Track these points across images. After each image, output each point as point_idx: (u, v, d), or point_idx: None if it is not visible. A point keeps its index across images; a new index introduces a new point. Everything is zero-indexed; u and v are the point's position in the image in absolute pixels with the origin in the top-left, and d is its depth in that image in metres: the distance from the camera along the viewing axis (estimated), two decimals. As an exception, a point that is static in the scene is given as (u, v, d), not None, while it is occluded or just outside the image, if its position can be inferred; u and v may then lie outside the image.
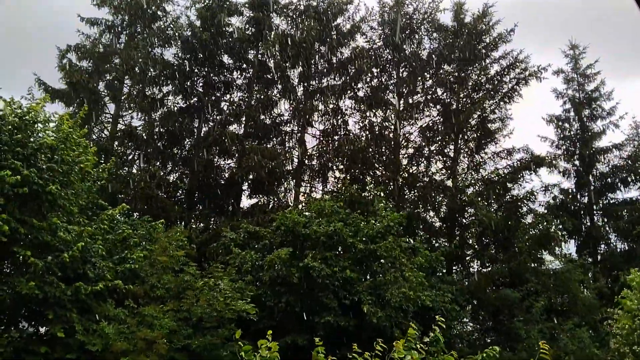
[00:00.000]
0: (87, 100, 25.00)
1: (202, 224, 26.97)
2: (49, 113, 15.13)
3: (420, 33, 28.68)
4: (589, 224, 30.67)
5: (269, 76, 28.56)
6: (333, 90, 28.12)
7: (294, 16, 28.67)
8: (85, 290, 13.60)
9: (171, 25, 28.88)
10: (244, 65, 29.10)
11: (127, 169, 26.53)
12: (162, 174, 26.60)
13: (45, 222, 13.44)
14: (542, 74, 27.01)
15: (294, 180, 27.85)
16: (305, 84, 28.42)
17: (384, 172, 27.67)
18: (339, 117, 28.70)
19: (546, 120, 32.28)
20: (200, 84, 28.63)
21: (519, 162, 26.47)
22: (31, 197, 13.27)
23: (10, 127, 13.78)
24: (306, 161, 28.06)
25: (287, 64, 27.88)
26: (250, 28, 28.75)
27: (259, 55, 28.46)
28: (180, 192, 27.56)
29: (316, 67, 28.41)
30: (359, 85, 28.83)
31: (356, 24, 28.67)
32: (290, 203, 26.90)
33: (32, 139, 13.72)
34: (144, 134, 27.16)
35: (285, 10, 28.80)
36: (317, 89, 28.37)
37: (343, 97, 28.69)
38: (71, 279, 13.91)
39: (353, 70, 28.31)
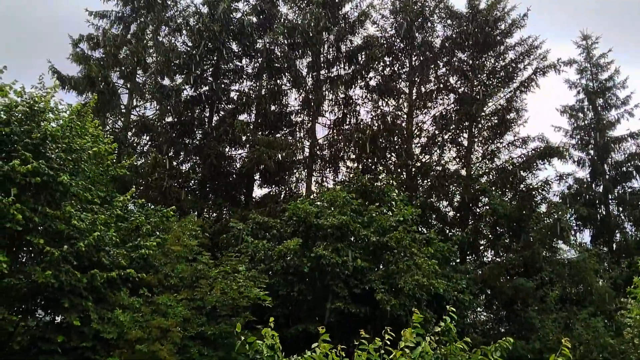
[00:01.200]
0: (100, 91, 25.05)
1: (214, 214, 27.07)
2: (58, 100, 15.19)
3: (433, 20, 28.39)
4: (604, 213, 30.38)
5: (277, 65, 28.43)
6: (343, 80, 27.98)
7: (301, 5, 28.44)
8: (100, 277, 13.69)
9: (180, 14, 28.85)
10: (253, 53, 29.02)
11: (140, 159, 26.62)
12: (174, 164, 26.69)
13: (59, 210, 13.51)
14: (561, 67, 26.84)
15: (305, 170, 27.81)
16: (315, 74, 28.28)
17: (396, 161, 27.55)
18: (349, 107, 28.60)
19: (560, 110, 32.06)
20: (210, 72, 28.61)
21: (533, 151, 26.26)
22: (44, 186, 13.33)
23: (20, 116, 13.85)
24: (317, 151, 27.99)
25: (295, 53, 27.75)
26: (256, 16, 28.61)
27: (267, 44, 28.36)
28: (192, 182, 27.63)
29: (325, 56, 28.23)
30: (370, 74, 28.64)
31: (364, 12, 28.36)
32: (302, 193, 26.87)
33: (40, 129, 13.74)
34: (156, 124, 27.26)
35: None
36: (326, 79, 28.23)
37: (353, 86, 28.55)
38: (86, 267, 14.00)
39: (363, 59, 28.11)
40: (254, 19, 28.52)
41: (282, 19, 28.22)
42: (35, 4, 46.77)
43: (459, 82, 28.15)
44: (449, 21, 28.27)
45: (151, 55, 27.71)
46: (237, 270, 16.76)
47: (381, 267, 19.16)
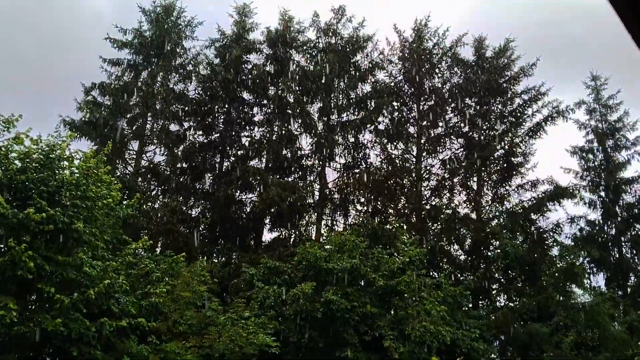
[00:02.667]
0: (111, 137, 25.39)
1: (223, 258, 26.98)
2: (74, 150, 15.39)
3: (441, 67, 28.91)
4: (617, 255, 29.98)
5: (289, 111, 28.88)
6: (353, 125, 28.35)
7: (314, 53, 29.14)
8: (109, 326, 13.60)
9: (191, 62, 29.49)
10: (264, 101, 29.50)
11: (150, 204, 26.76)
12: (184, 208, 26.80)
13: (71, 257, 13.54)
14: (570, 114, 27.24)
15: (316, 214, 27.82)
16: (325, 119, 28.66)
17: (405, 205, 27.53)
18: (359, 151, 28.84)
19: (570, 151, 32.04)
20: (221, 120, 29.06)
21: (543, 194, 26.21)
22: (57, 234, 13.40)
23: (36, 164, 14.03)
24: (327, 194, 28.06)
25: (306, 99, 28.24)
26: (269, 64, 29.25)
27: (279, 91, 28.85)
28: (202, 226, 27.67)
29: (336, 102, 28.69)
30: (380, 119, 28.99)
31: (374, 60, 29.00)
32: (311, 236, 26.80)
33: (55, 177, 13.90)
34: (166, 170, 27.52)
35: (304, 47, 29.30)
36: (337, 124, 28.61)
37: (363, 131, 28.86)
38: (95, 315, 13.93)
39: (373, 105, 28.54)
40: (268, 68, 29.10)
41: (295, 67, 28.79)
42: (51, 53, 48.13)
43: (467, 127, 28.39)
44: (456, 68, 28.76)
45: (161, 101, 28.19)
46: (245, 317, 16.60)
47: (391, 312, 18.94)
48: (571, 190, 26.69)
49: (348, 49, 28.75)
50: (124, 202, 17.25)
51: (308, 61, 29.30)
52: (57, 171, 14.24)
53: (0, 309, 12.21)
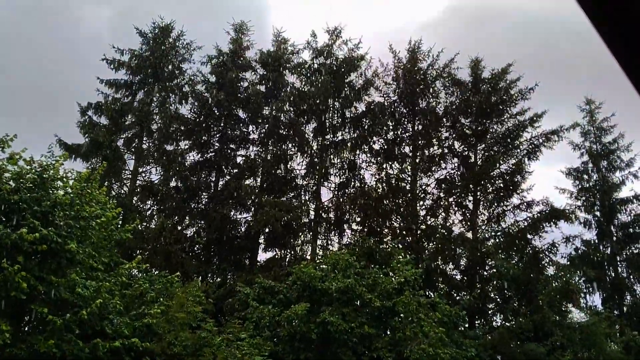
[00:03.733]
0: (107, 157, 25.40)
1: (218, 279, 26.85)
2: (68, 170, 15.37)
3: (436, 87, 29.13)
4: (613, 275, 29.98)
5: (283, 132, 29.00)
6: (347, 144, 28.50)
7: (307, 74, 29.29)
8: (103, 347, 13.47)
9: (188, 83, 29.64)
10: (259, 120, 29.62)
11: (145, 224, 26.68)
12: (179, 228, 26.72)
13: (64, 278, 13.45)
14: (565, 133, 27.53)
15: (310, 233, 27.77)
16: (320, 138, 28.77)
17: (401, 224, 27.53)
18: (354, 170, 28.92)
19: (565, 172, 32.24)
20: (217, 138, 29.13)
21: (539, 214, 26.28)
22: (50, 254, 13.31)
23: (30, 184, 13.99)
24: (322, 214, 28.05)
25: (301, 119, 28.36)
26: (263, 85, 29.43)
27: (273, 111, 29.03)
28: (197, 246, 27.58)
29: (330, 122, 28.81)
30: (374, 138, 29.09)
31: (369, 80, 29.20)
32: (307, 256, 26.74)
33: (49, 197, 13.84)
34: (162, 189, 27.49)
35: (299, 68, 29.47)
36: (331, 143, 28.73)
37: (358, 151, 28.96)
38: (89, 335, 13.80)
39: (367, 124, 28.68)
40: (262, 88, 29.28)
41: (289, 88, 28.96)
42: (49, 74, 48.36)
43: (462, 146, 28.53)
44: (452, 89, 28.97)
45: (157, 122, 28.29)
46: (240, 338, 16.46)
47: (388, 332, 18.81)
48: (567, 213, 26.81)
49: (343, 70, 28.93)
50: (124, 226, 17.12)
51: (302, 82, 29.48)
52: (50, 191, 14.19)
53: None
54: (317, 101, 27.63)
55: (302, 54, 29.90)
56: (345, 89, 28.87)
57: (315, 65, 29.32)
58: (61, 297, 13.35)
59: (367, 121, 28.84)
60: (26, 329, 14.00)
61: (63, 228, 13.61)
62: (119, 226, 17.28)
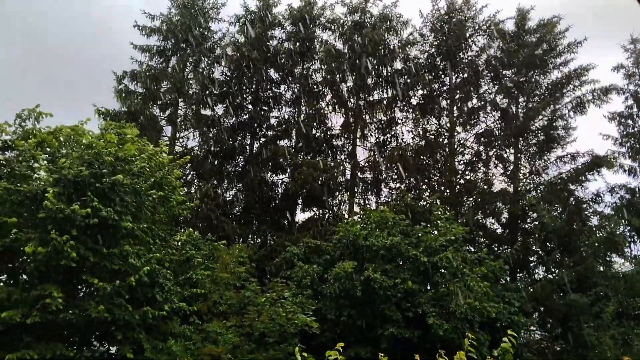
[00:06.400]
0: (143, 125, 25.77)
1: (259, 240, 27.31)
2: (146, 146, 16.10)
3: (476, 40, 28.29)
4: (659, 223, 29.14)
5: (316, 89, 28.75)
6: (384, 102, 28.14)
7: (341, 31, 28.74)
8: (152, 314, 14.05)
9: (218, 45, 29.51)
10: (291, 80, 29.41)
11: (185, 189, 27.14)
12: (218, 192, 27.11)
13: (117, 249, 13.99)
14: (607, 96, 26.50)
15: (348, 193, 27.83)
16: (356, 97, 28.47)
17: (439, 180, 27.31)
18: (390, 128, 28.62)
19: (608, 117, 31.03)
20: (249, 100, 29.13)
21: (582, 166, 25.64)
22: (104, 228, 13.85)
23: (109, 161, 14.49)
24: (359, 173, 28.00)
25: (336, 78, 28.01)
26: (294, 42, 29.04)
27: (304, 70, 28.75)
28: (236, 209, 28.01)
29: (366, 81, 28.37)
30: (410, 93, 28.59)
31: (404, 39, 28.49)
32: (344, 215, 26.87)
33: (110, 174, 14.31)
34: (199, 154, 27.85)
35: (331, 25, 28.91)
36: (367, 102, 28.42)
37: (394, 108, 28.57)
38: (141, 302, 14.42)
39: (403, 82, 28.15)
40: (291, 46, 28.97)
41: (322, 46, 28.51)
42: (84, 43, 48.93)
43: (504, 99, 27.84)
44: (495, 41, 28.06)
45: (191, 86, 28.39)
46: (284, 297, 16.85)
47: (429, 287, 18.93)
48: (609, 159, 25.97)
49: (378, 28, 28.25)
50: (185, 205, 17.61)
51: (337, 40, 28.93)
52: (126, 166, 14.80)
53: (46, 297, 12.70)
54: (352, 60, 27.16)
55: (335, 10, 29.25)
56: (381, 48, 28.26)
57: (349, 23, 28.70)
58: (112, 267, 13.91)
59: (403, 78, 28.27)
60: (79, 295, 14.62)
61: (118, 204, 14.09)
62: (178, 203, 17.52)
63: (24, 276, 14.43)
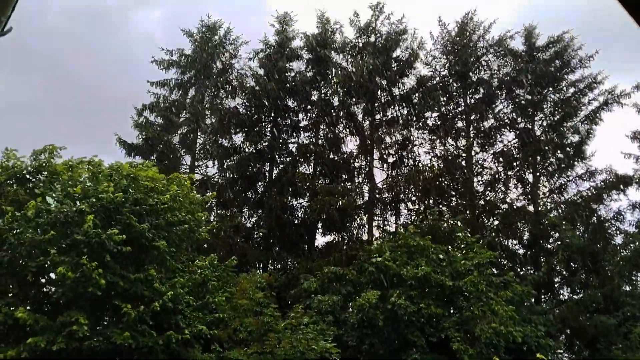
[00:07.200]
0: (163, 153, 26.27)
1: (279, 265, 27.30)
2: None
3: (488, 60, 28.38)
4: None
5: (333, 113, 28.95)
6: (399, 121, 28.25)
7: (353, 53, 29.04)
8: (175, 338, 14.14)
9: (236, 78, 30.04)
10: (309, 107, 29.71)
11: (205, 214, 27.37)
12: (239, 219, 27.28)
13: (143, 274, 14.20)
14: (627, 99, 26.22)
15: (366, 215, 27.75)
16: (370, 118, 28.63)
17: (459, 201, 27.14)
18: (407, 148, 28.59)
19: (630, 137, 30.70)
20: (268, 129, 29.48)
21: (602, 183, 25.32)
22: (137, 252, 14.14)
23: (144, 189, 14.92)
24: (377, 195, 27.96)
25: (350, 100, 28.23)
26: (311, 70, 29.43)
27: (322, 95, 29.04)
28: (256, 234, 28.14)
29: (379, 100, 28.52)
30: (426, 115, 28.66)
31: (415, 53, 28.67)
32: (363, 238, 26.78)
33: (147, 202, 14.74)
34: (219, 181, 28.16)
35: (344, 47, 29.28)
36: (382, 121, 28.56)
37: (410, 128, 28.63)
38: (164, 328, 14.53)
39: (418, 100, 28.27)
40: (309, 74, 29.31)
41: (337, 69, 28.86)
42: (103, 76, 50.14)
43: (519, 118, 27.75)
44: (505, 59, 28.12)
45: (210, 117, 28.95)
46: (304, 323, 16.77)
47: (453, 311, 18.64)
48: (637, 179, 25.64)
49: (388, 45, 28.48)
50: (202, 228, 17.92)
51: (349, 62, 29.23)
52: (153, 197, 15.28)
53: (72, 323, 12.87)
54: (364, 80, 27.40)
55: (346, 33, 29.63)
56: (393, 65, 28.46)
57: (360, 44, 28.99)
58: (139, 292, 14.10)
59: (417, 97, 28.39)
60: (104, 322, 14.79)
61: (151, 231, 14.45)
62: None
63: (49, 302, 14.70)
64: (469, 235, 21.50)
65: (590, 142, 26.68)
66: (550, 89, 27.26)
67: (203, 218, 17.64)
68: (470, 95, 28.46)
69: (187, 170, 27.95)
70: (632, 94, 26.70)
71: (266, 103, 28.73)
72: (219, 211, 26.55)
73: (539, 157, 26.70)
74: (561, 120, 26.60)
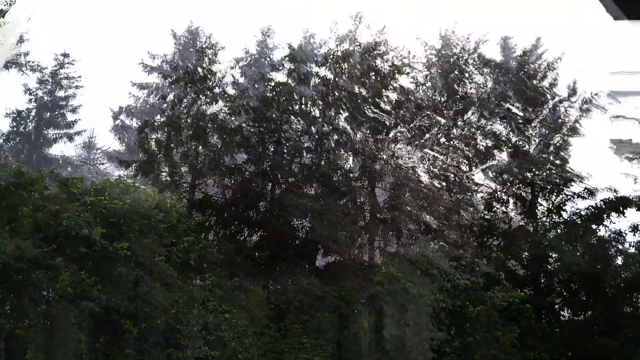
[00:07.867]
0: (161, 172, 26.36)
1: (279, 287, 27.17)
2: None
3: (470, 72, 28.62)
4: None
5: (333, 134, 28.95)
6: (389, 138, 28.34)
7: (332, 62, 28.91)
8: (176, 356, 14.09)
9: (217, 85, 30.05)
10: (312, 129, 29.67)
11: (204, 234, 27.29)
12: (240, 238, 27.22)
13: (145, 288, 14.23)
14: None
15: (367, 235, 27.71)
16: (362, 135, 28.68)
17: (457, 220, 27.13)
18: (400, 166, 28.53)
19: (628, 158, 30.80)
20: (272, 150, 29.46)
21: (602, 203, 25.31)
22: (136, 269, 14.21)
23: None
24: (378, 215, 27.93)
25: (333, 112, 28.24)
26: (291, 81, 29.45)
27: (303, 106, 28.92)
28: (257, 254, 28.03)
29: (364, 112, 28.47)
30: (411, 129, 28.63)
31: (396, 65, 28.79)
32: (364, 257, 26.76)
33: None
34: (219, 201, 28.14)
35: (325, 60, 29.29)
36: (376, 139, 28.61)
37: (399, 144, 28.60)
38: (163, 347, 14.48)
39: (403, 114, 28.39)
40: (292, 83, 29.18)
41: (316, 79, 28.85)
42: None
43: (511, 134, 27.92)
44: (485, 70, 28.43)
45: (187, 123, 28.67)
46: (302, 342, 16.71)
47: (452, 335, 18.55)
48: (637, 200, 25.68)
49: (367, 56, 28.52)
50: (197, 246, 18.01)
51: (331, 72, 29.08)
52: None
53: (72, 341, 12.82)
54: (346, 90, 27.49)
55: (328, 44, 29.75)
56: (372, 75, 28.46)
57: (339, 53, 28.85)
58: (142, 310, 14.10)
59: (401, 111, 28.44)
60: (104, 340, 14.71)
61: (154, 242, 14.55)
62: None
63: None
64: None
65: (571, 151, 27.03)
66: (539, 104, 27.53)
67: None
68: (461, 114, 28.58)
69: (188, 189, 28.01)
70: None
71: (265, 125, 28.73)
72: (219, 230, 26.49)
73: (535, 175, 26.72)
74: (550, 135, 26.79)
